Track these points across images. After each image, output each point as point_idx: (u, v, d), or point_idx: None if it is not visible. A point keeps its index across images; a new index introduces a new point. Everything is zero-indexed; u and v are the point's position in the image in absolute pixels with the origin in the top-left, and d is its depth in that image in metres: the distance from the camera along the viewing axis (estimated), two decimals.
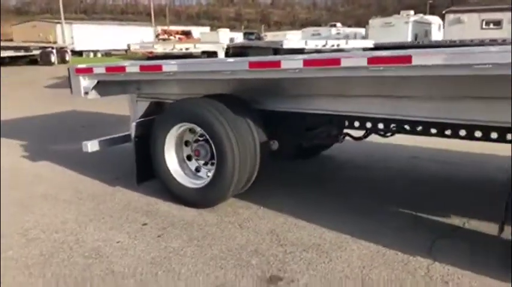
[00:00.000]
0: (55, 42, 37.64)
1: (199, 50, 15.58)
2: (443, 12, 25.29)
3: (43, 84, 15.91)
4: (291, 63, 2.99)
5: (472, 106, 2.79)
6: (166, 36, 35.52)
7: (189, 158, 3.91)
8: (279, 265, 2.76)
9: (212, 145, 3.52)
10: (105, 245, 3.08)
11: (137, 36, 42.03)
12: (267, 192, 3.92)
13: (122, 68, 3.82)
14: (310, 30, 31.05)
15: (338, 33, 28.43)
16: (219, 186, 3.50)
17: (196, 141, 3.83)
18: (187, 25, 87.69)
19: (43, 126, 7.99)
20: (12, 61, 24.94)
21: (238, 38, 32.17)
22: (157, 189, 3.96)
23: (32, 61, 25.41)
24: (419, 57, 2.51)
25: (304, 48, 10.92)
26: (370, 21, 25.26)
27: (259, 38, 31.45)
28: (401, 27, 22.93)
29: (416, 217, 3.42)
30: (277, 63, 3.05)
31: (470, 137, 3.11)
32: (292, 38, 30.36)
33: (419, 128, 3.24)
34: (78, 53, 37.57)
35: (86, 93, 4.19)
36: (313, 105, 3.48)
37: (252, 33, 36.70)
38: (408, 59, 2.54)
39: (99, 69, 3.99)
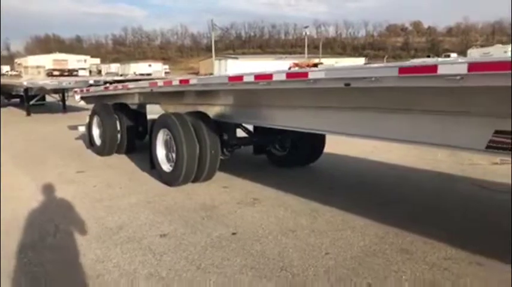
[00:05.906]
0: (211, 74, 46.43)
1: None
2: None
3: None
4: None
5: None
6: (297, 68, 40.24)
7: None
8: (84, 169, 6.77)
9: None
10: (47, 160, 7.49)
11: (283, 67, 48.55)
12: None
13: (83, 90, 8.34)
14: (420, 60, 31.66)
15: None
16: (105, 144, 7.65)
17: None
18: (352, 56, 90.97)
19: None
20: None
21: None
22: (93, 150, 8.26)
23: None
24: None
25: None
26: (469, 51, 25.04)
27: None
28: (500, 56, 22.31)
29: None
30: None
31: None
32: None
33: None
34: None
35: (79, 102, 8.84)
36: None
37: None
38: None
39: (79, 90, 8.58)
